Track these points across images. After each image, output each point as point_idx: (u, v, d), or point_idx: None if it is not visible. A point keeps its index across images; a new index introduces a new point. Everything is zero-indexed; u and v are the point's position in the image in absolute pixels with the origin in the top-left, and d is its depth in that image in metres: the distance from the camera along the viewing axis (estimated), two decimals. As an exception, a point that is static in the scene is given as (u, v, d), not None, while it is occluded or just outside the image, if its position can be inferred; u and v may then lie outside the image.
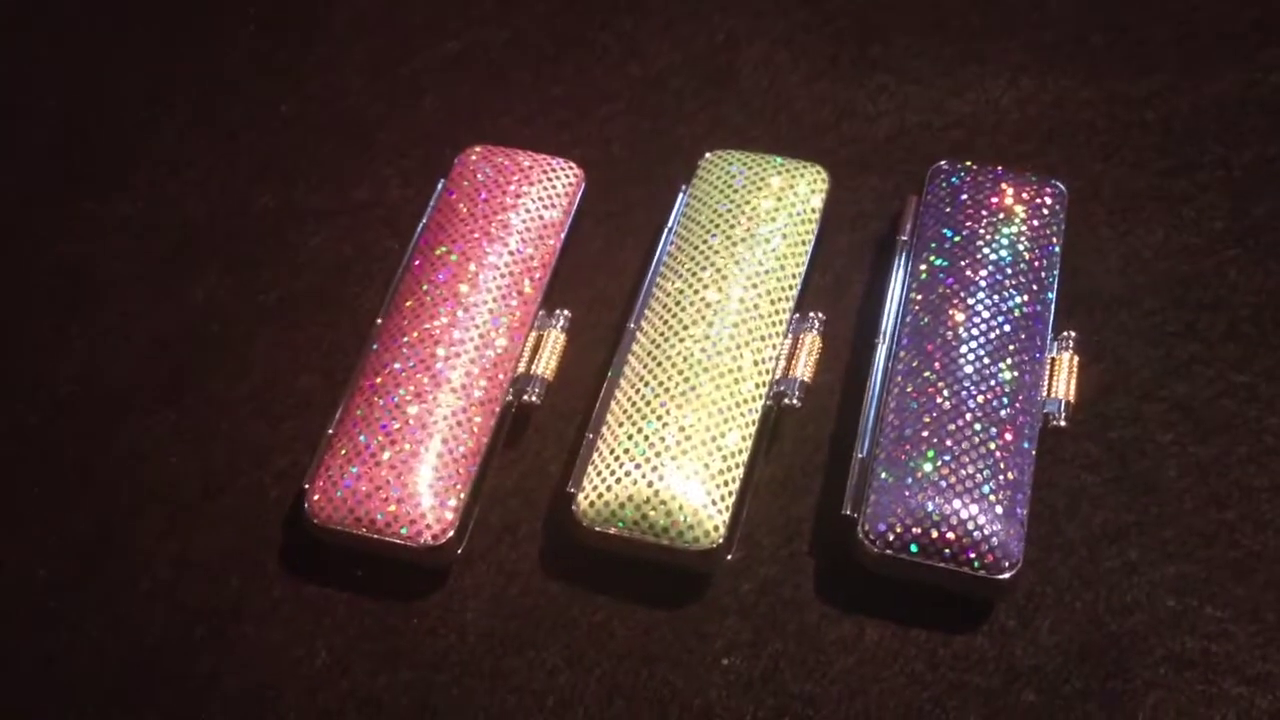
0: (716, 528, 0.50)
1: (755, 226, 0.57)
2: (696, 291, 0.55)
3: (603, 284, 0.61)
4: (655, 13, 0.71)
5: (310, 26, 0.71)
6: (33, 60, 0.70)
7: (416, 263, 0.57)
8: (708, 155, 0.60)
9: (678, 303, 0.55)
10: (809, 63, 0.69)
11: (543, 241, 0.58)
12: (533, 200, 0.59)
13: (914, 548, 0.49)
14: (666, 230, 0.59)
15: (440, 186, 0.60)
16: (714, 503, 0.51)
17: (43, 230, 0.63)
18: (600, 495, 0.51)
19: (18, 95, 0.69)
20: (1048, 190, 0.58)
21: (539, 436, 0.57)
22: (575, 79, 0.68)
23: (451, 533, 0.51)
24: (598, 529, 0.51)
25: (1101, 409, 0.56)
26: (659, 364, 0.53)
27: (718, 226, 0.57)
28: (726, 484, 0.51)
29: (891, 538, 0.50)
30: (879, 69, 0.68)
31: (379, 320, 0.56)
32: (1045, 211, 0.57)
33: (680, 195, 0.60)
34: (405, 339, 0.54)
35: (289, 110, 0.68)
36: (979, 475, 0.50)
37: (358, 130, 0.67)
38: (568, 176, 0.60)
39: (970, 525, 0.49)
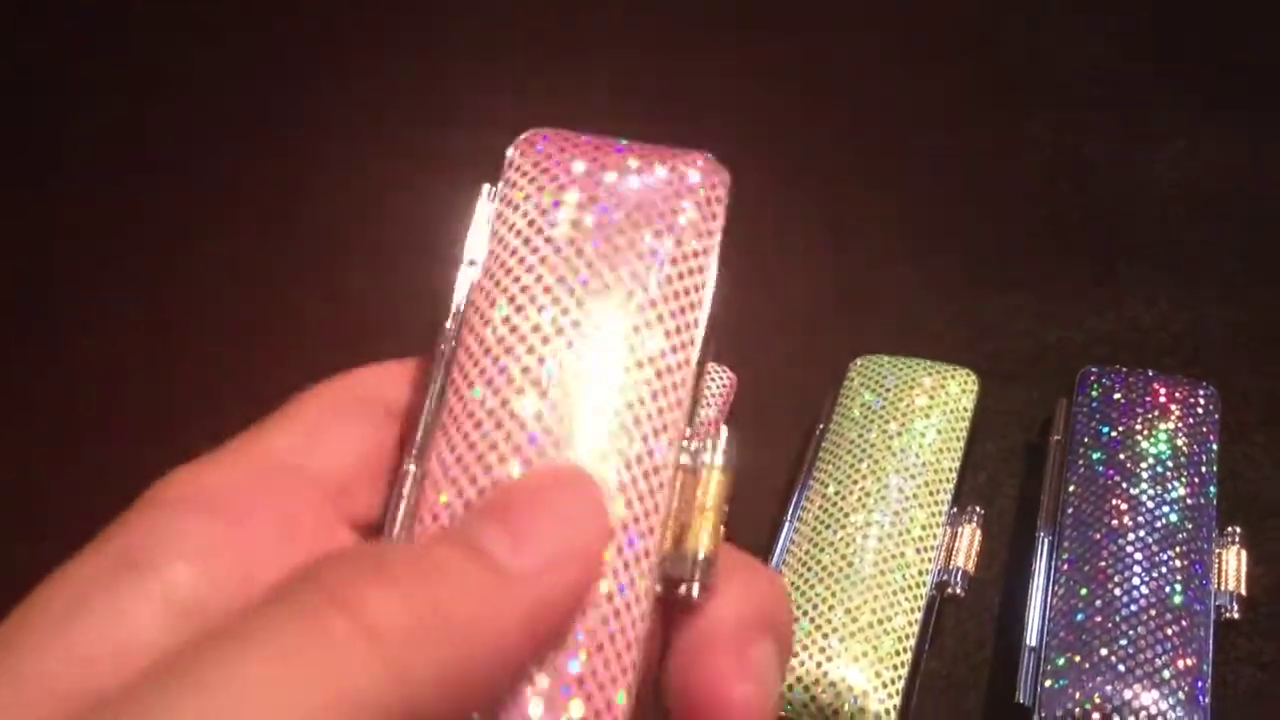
0: (888, 711, 0.49)
1: (910, 421, 0.58)
2: (855, 481, 0.56)
3: (753, 482, 0.61)
4: (793, 244, 0.74)
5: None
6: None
7: None
8: (858, 359, 0.62)
9: (837, 492, 0.55)
10: (945, 283, 0.71)
11: (697, 438, 0.59)
12: (690, 398, 0.60)
13: (1095, 734, 0.48)
14: (819, 429, 0.60)
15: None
16: (884, 685, 0.50)
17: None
18: (766, 677, 0.50)
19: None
20: (1200, 391, 0.59)
21: (695, 629, 0.56)
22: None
23: None
24: (764, 712, 0.50)
25: (1271, 609, 0.55)
26: (821, 550, 0.53)
27: (872, 422, 0.58)
28: (895, 668, 0.50)
29: (1071, 723, 0.48)
30: (1015, 288, 0.70)
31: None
32: (1200, 410, 0.58)
33: (832, 396, 0.61)
34: None
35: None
36: (1157, 660, 0.49)
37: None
38: (720, 380, 0.62)
39: (1153, 710, 0.48)
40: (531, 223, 0.28)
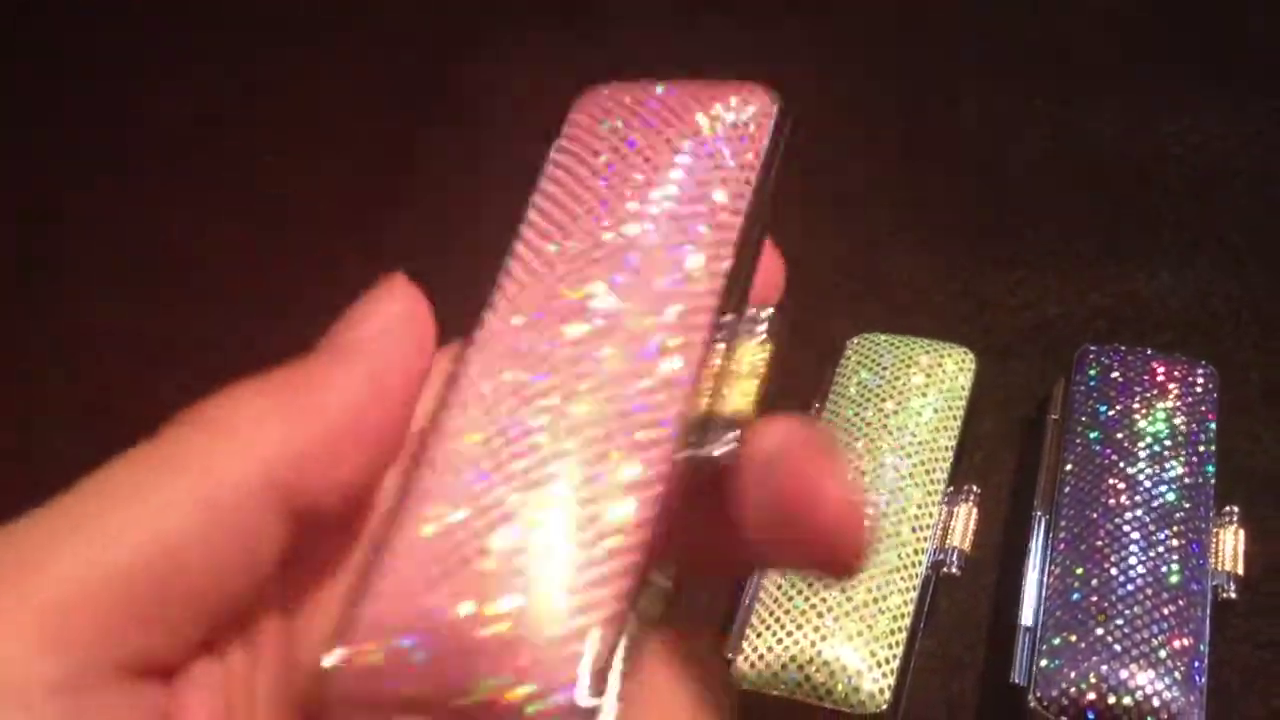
0: (882, 690, 0.49)
1: (906, 400, 0.57)
2: (851, 460, 0.55)
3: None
4: (791, 221, 0.73)
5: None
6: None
7: None
8: (855, 338, 0.61)
9: (833, 471, 0.55)
10: (949, 257, 0.70)
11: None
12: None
13: (1090, 714, 0.48)
14: (815, 407, 0.59)
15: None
16: (879, 664, 0.49)
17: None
18: (761, 656, 0.50)
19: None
20: (1199, 370, 0.58)
21: (688, 610, 0.56)
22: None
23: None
24: (758, 691, 0.50)
25: (1270, 587, 0.55)
26: (816, 529, 0.53)
27: (869, 400, 0.58)
28: (890, 646, 0.50)
29: (1066, 703, 0.48)
30: (1017, 264, 0.69)
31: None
32: (1198, 389, 0.57)
33: (829, 375, 0.61)
34: None
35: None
36: (1154, 640, 0.49)
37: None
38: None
39: (1149, 690, 0.48)
40: (577, 176, 0.30)
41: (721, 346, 0.28)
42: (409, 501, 0.27)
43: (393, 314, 0.27)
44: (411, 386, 0.26)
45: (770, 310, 0.29)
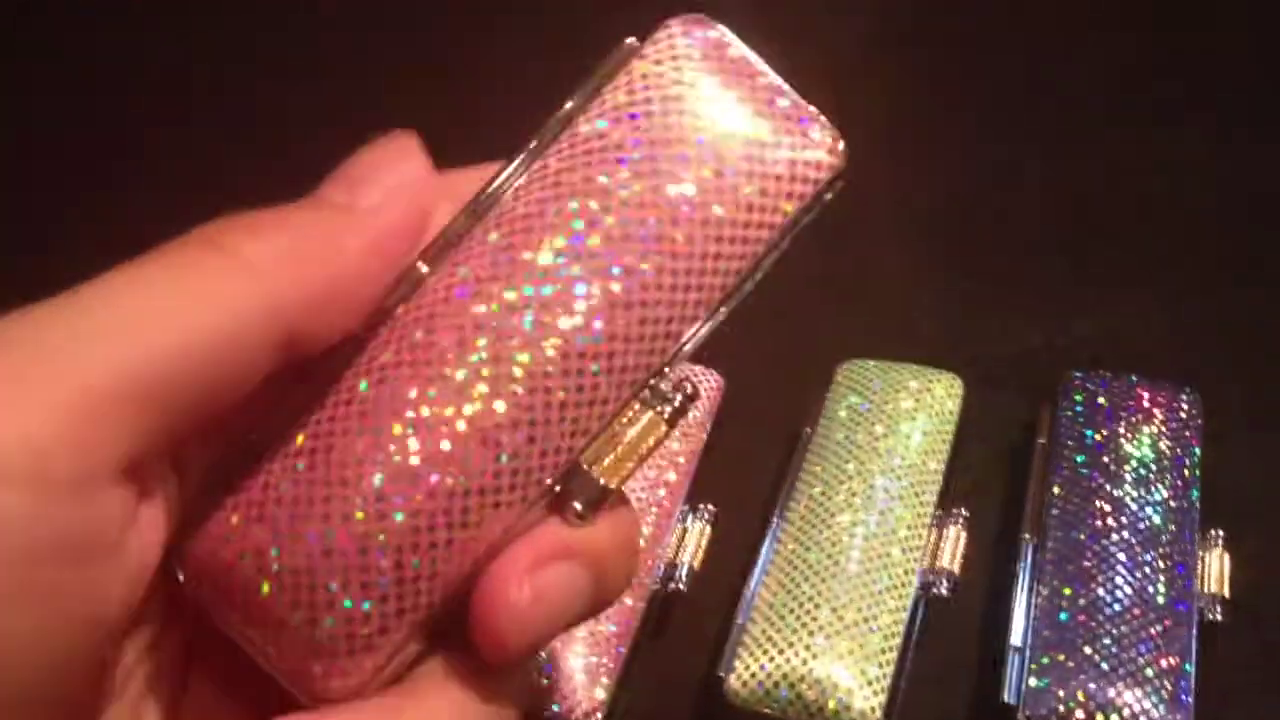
0: (874, 709, 0.49)
1: (896, 424, 0.58)
2: (842, 482, 0.56)
3: (742, 483, 0.62)
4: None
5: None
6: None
7: None
8: (844, 364, 0.62)
9: (823, 493, 0.56)
10: (930, 288, 0.71)
11: (686, 439, 0.59)
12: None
13: (1079, 732, 0.48)
14: (806, 431, 0.60)
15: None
16: (870, 682, 0.50)
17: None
18: (754, 675, 0.50)
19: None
20: (1183, 397, 0.59)
21: (682, 629, 0.57)
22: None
23: (600, 714, 0.51)
24: (750, 710, 0.50)
25: (1252, 609, 0.55)
26: (807, 549, 0.54)
27: (859, 424, 0.58)
28: (881, 665, 0.50)
29: (1055, 720, 0.49)
30: (1003, 292, 0.70)
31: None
32: (1183, 414, 0.58)
33: (819, 399, 0.61)
34: None
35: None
36: (1140, 659, 0.49)
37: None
38: (709, 382, 0.62)
39: (1137, 708, 0.48)
40: (634, 101, 0.29)
41: (635, 408, 0.29)
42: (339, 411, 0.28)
43: (405, 175, 0.28)
44: (408, 254, 0.28)
45: (691, 388, 0.29)
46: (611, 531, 0.29)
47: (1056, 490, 0.56)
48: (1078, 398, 0.59)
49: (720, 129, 0.29)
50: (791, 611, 0.52)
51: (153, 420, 0.24)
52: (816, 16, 0.85)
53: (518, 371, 0.27)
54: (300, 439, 0.28)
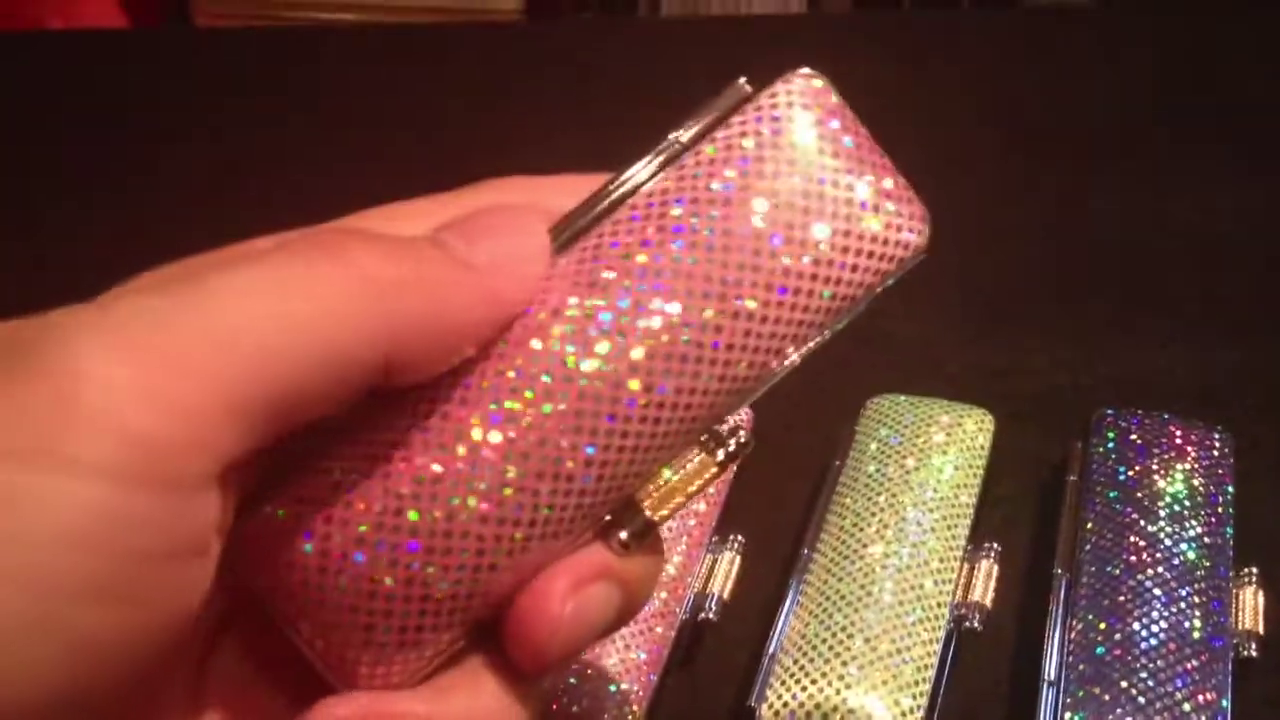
0: (907, 739, 0.49)
1: (927, 457, 0.58)
2: (873, 514, 0.56)
3: (771, 515, 0.62)
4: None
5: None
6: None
7: None
8: (874, 399, 0.62)
9: (855, 524, 0.56)
10: (958, 328, 0.71)
11: (716, 472, 0.59)
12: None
13: (1116, 766, 0.48)
14: (835, 464, 0.60)
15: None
16: (904, 714, 0.49)
17: None
18: (786, 704, 0.50)
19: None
20: (1215, 436, 0.59)
21: (711, 659, 0.56)
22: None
23: (631, 742, 0.50)
24: (783, 739, 0.50)
25: (1286, 649, 0.55)
26: (839, 580, 0.54)
27: (890, 457, 0.58)
28: (914, 697, 0.50)
29: (1091, 754, 0.48)
30: (1027, 333, 0.71)
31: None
32: (1215, 453, 0.58)
33: (849, 433, 0.61)
34: None
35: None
36: (1178, 694, 0.49)
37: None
38: (739, 414, 0.62)
39: (1175, 742, 0.48)
40: (743, 157, 0.29)
41: (695, 452, 0.30)
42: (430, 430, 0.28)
43: (525, 248, 0.28)
44: (510, 320, 0.28)
45: (746, 437, 0.30)
46: (644, 555, 0.30)
47: (1089, 526, 0.56)
48: (1110, 435, 0.59)
49: (822, 192, 0.29)
50: (824, 641, 0.51)
51: (258, 426, 0.24)
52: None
53: (596, 416, 0.28)
54: (371, 444, 0.28)
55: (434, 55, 0.97)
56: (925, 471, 0.57)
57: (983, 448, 0.60)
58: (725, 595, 0.56)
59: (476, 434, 0.27)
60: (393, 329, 0.25)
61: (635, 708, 0.51)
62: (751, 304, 0.29)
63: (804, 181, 0.29)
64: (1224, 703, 0.49)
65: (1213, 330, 0.70)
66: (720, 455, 0.30)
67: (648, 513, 0.30)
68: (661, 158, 0.30)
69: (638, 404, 0.28)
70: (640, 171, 0.30)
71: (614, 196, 0.29)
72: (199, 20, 1.50)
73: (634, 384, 0.28)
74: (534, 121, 0.88)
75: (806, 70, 0.30)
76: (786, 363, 0.30)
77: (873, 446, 0.59)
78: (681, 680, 0.55)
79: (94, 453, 0.22)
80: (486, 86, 0.92)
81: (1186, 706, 0.48)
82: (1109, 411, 0.61)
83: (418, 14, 1.47)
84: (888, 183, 0.30)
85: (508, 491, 0.27)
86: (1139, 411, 0.60)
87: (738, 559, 0.57)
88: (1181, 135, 0.82)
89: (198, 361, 0.23)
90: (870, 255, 0.30)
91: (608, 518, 0.30)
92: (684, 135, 0.30)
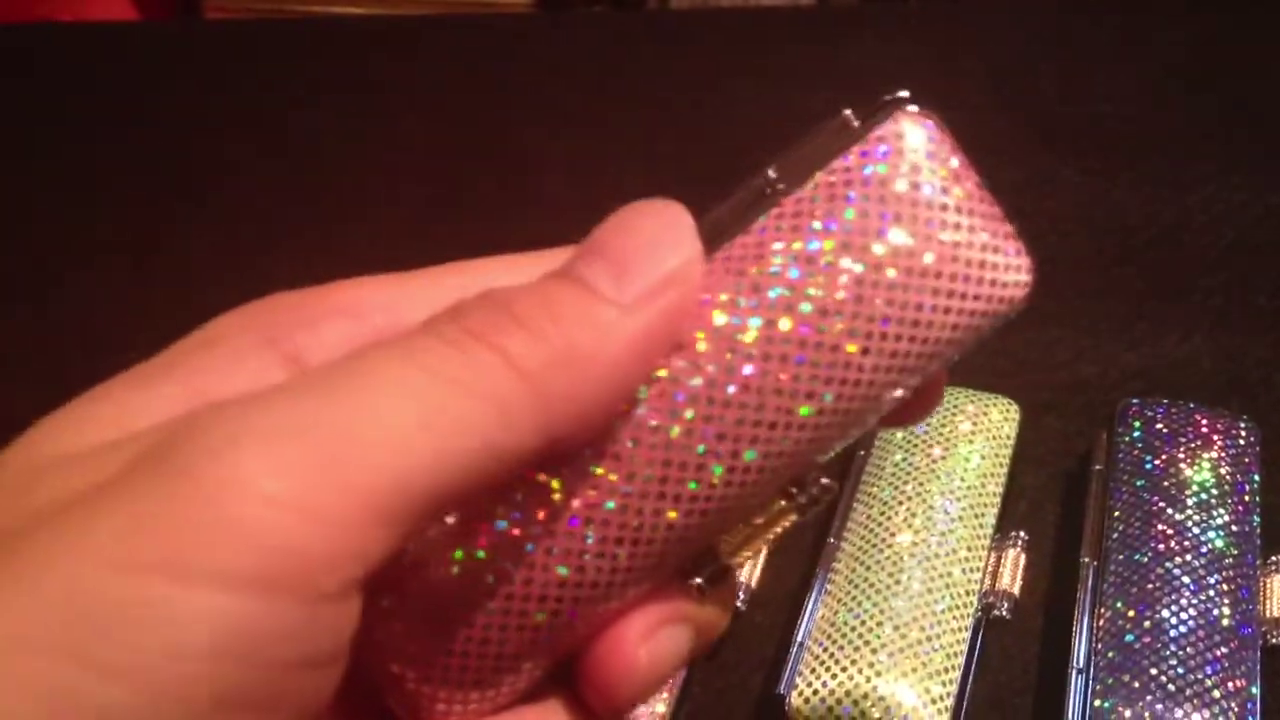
0: (938, 727, 0.49)
1: (954, 446, 0.58)
2: (900, 503, 0.56)
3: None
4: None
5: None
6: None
7: None
8: (898, 388, 0.62)
9: (882, 513, 0.56)
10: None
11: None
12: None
13: (1147, 753, 0.48)
14: (860, 454, 0.60)
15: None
16: (934, 700, 0.50)
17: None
18: (815, 692, 0.50)
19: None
20: (1241, 426, 0.59)
21: (739, 647, 0.56)
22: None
23: (662, 734, 0.50)
24: (813, 727, 0.50)
25: (1314, 638, 0.55)
26: (868, 569, 0.54)
27: (916, 446, 0.58)
28: (945, 685, 0.50)
29: (1123, 742, 0.48)
30: (1052, 324, 0.71)
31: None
32: (1241, 442, 0.58)
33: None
34: None
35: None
36: (1207, 681, 0.49)
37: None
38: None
39: (1206, 729, 0.48)
40: (849, 186, 0.27)
41: (777, 499, 0.28)
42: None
43: (677, 264, 0.26)
44: (663, 357, 0.26)
45: (829, 482, 0.28)
46: (718, 597, 0.29)
47: (1116, 514, 0.56)
48: (1136, 424, 0.59)
49: (932, 236, 0.27)
50: (854, 629, 0.51)
51: (404, 531, 0.23)
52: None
53: (694, 486, 0.27)
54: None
55: (444, 47, 0.97)
56: (952, 460, 0.57)
57: (1009, 437, 0.60)
58: (753, 585, 0.56)
59: (578, 503, 0.27)
60: (551, 420, 0.24)
61: (665, 695, 0.51)
62: (860, 388, 0.27)
63: (912, 229, 0.27)
64: (1254, 689, 0.49)
65: (1238, 320, 0.70)
66: (803, 500, 0.29)
67: (725, 559, 0.29)
68: (752, 197, 0.28)
69: (728, 471, 0.27)
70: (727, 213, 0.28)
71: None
72: (208, 13, 1.49)
73: (730, 461, 0.27)
74: (545, 113, 0.87)
75: (914, 108, 0.29)
76: (871, 420, 0.29)
77: (899, 436, 0.59)
78: (709, 669, 0.55)
79: (244, 566, 0.21)
80: (498, 77, 0.92)
81: (1216, 693, 0.49)
82: (1134, 401, 0.61)
83: (427, 6, 1.47)
84: (1001, 230, 0.29)
85: (587, 557, 0.27)
86: (1164, 401, 0.60)
87: (764, 549, 0.57)
88: (1207, 125, 0.82)
89: (349, 473, 0.22)
90: (978, 316, 0.28)
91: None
92: (777, 175, 0.28)
